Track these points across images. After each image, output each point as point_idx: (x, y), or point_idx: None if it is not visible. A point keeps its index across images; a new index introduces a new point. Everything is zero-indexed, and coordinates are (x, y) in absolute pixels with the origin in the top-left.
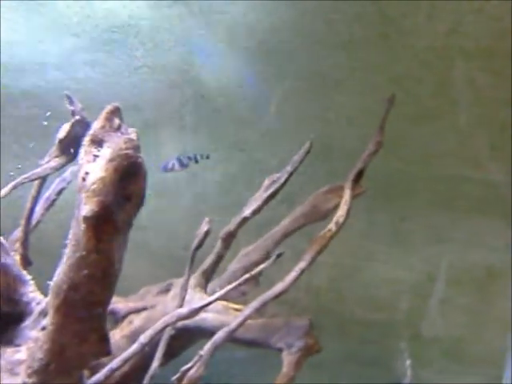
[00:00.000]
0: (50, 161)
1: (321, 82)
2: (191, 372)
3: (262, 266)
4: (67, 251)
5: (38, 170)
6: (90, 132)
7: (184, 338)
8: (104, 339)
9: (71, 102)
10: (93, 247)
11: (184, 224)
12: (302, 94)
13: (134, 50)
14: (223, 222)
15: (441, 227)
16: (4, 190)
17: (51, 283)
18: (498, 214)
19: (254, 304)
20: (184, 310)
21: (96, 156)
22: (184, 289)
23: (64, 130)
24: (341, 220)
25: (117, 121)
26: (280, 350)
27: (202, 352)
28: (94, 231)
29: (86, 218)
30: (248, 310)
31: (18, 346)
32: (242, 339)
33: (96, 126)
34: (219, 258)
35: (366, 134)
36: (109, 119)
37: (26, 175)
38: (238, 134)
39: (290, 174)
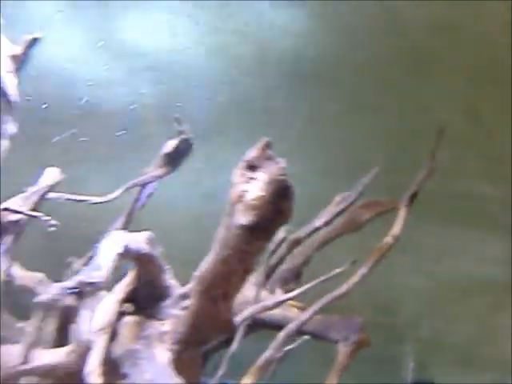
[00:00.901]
0: (154, 170)
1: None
2: (267, 353)
3: (337, 271)
4: (214, 249)
5: (144, 177)
6: (246, 158)
7: (249, 327)
8: (230, 321)
9: (179, 123)
10: (242, 249)
11: None
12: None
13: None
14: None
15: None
16: (114, 194)
17: (195, 273)
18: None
19: (322, 301)
20: (269, 302)
21: (251, 178)
22: (259, 284)
23: (170, 146)
24: (397, 233)
25: (269, 152)
26: (336, 342)
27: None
28: (247, 237)
29: (242, 226)
30: (316, 305)
31: (161, 320)
32: (304, 330)
33: (251, 154)
34: (281, 260)
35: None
36: (263, 150)
37: (133, 181)
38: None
39: (359, 194)
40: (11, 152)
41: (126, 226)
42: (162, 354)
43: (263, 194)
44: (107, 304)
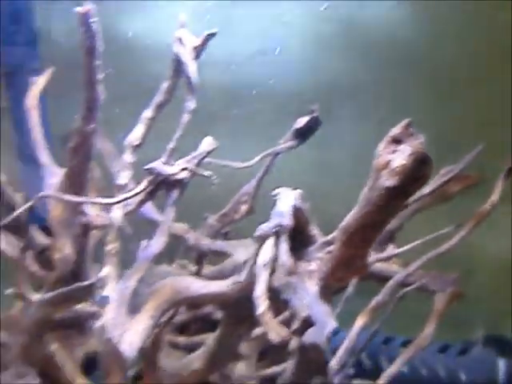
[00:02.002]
0: (286, 143)
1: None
2: (379, 297)
3: (441, 232)
4: (358, 206)
5: (277, 147)
6: (391, 134)
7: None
8: (365, 265)
9: (311, 104)
10: (383, 207)
11: None
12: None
13: None
14: None
15: None
16: (254, 160)
17: (340, 225)
18: None
19: (425, 257)
20: (382, 255)
21: (395, 150)
22: None
23: (301, 122)
24: (495, 201)
25: (411, 129)
26: (433, 293)
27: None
28: (389, 197)
29: (386, 188)
30: (421, 260)
31: (309, 261)
32: (407, 282)
33: (395, 130)
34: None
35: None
36: (406, 127)
37: (269, 151)
38: None
39: (462, 169)
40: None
41: (257, 189)
42: (312, 288)
43: (406, 163)
44: (268, 246)
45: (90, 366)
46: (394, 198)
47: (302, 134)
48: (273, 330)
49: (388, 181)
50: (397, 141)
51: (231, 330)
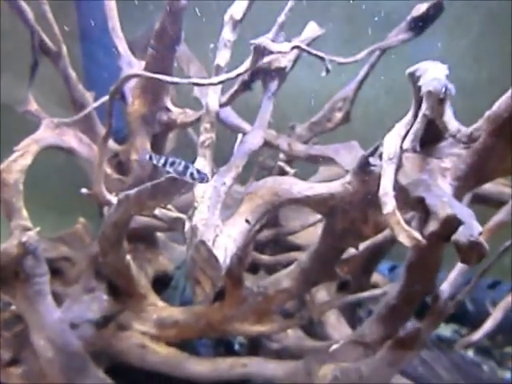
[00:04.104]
0: (398, 35)
1: None
2: (500, 215)
3: None
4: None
5: (388, 41)
6: None
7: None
8: None
9: None
10: None
11: None
12: None
13: None
14: None
15: None
16: (359, 55)
17: (487, 113)
18: None
19: None
20: None
21: None
22: None
23: (420, 9)
24: None
25: None
26: None
27: None
28: None
29: None
30: None
31: (440, 158)
32: None
33: None
34: None
35: None
36: None
37: (377, 44)
38: None
39: None
40: None
41: (356, 93)
42: (446, 187)
43: None
44: (392, 138)
45: (158, 285)
46: None
47: (420, 24)
48: (403, 232)
49: None
50: None
51: (333, 242)
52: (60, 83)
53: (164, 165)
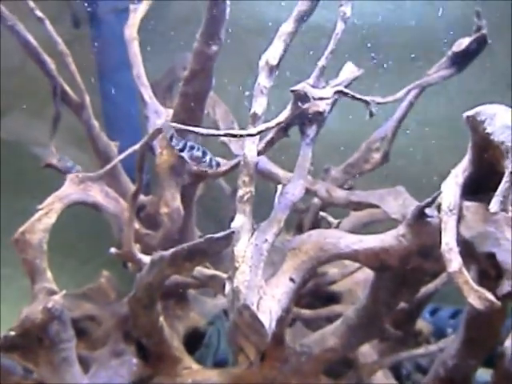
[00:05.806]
0: (439, 71)
1: None
2: None
3: None
4: None
5: (428, 78)
6: None
7: None
8: None
9: (478, 18)
10: None
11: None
12: None
13: None
14: None
15: None
16: (398, 95)
17: None
18: None
19: None
20: None
21: None
22: None
23: (460, 45)
24: None
25: None
26: None
27: None
28: None
29: None
30: None
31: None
32: None
33: None
34: None
35: None
36: None
37: (417, 82)
38: None
39: None
40: None
41: (395, 133)
42: None
43: None
44: (449, 187)
45: (190, 343)
46: None
47: (462, 59)
48: (473, 293)
49: None
50: None
51: (385, 298)
52: (77, 124)
53: (182, 150)
